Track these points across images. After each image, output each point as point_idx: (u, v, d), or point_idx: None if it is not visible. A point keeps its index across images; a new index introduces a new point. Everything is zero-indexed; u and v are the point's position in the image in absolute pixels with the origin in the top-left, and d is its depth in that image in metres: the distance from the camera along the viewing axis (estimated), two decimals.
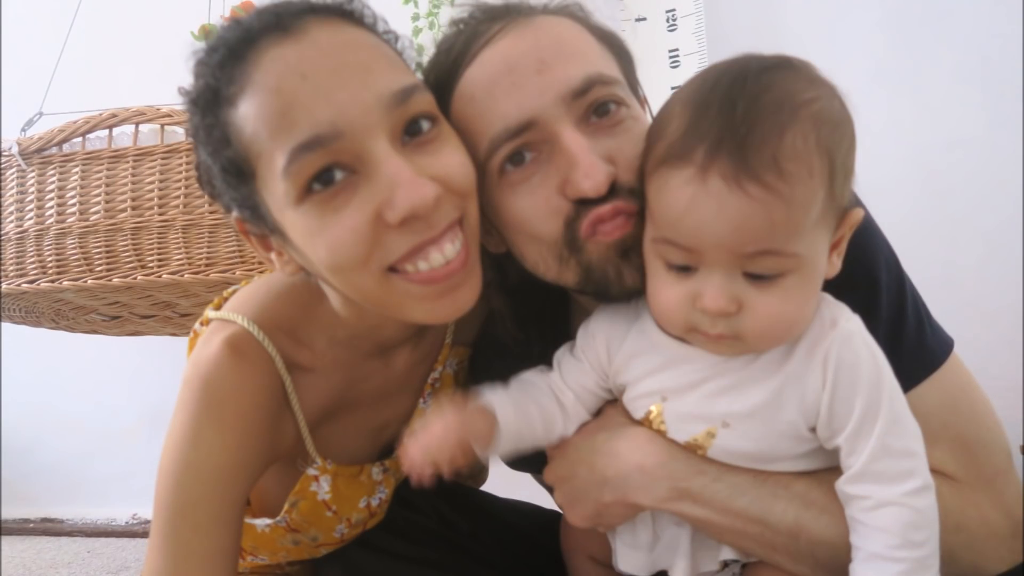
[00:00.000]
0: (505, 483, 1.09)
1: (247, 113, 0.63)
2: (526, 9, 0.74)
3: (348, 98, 0.62)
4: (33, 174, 1.27)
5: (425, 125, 0.66)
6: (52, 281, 1.24)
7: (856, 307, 0.66)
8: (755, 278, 0.59)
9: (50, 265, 1.25)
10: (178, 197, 1.20)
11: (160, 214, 1.20)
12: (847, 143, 0.59)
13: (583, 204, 0.67)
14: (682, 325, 0.64)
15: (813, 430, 0.65)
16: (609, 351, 0.73)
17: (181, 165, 1.20)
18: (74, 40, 1.64)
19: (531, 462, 0.81)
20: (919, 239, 1.26)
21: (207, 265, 1.20)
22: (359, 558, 0.93)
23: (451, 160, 0.67)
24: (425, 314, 0.70)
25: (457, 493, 1.04)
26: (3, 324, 1.51)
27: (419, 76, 0.71)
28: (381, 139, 0.63)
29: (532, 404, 0.74)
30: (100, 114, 1.23)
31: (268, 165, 0.63)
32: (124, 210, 1.21)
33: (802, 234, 0.58)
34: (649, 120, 0.71)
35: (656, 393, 0.70)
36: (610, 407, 0.77)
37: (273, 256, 0.73)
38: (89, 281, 1.22)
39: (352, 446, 0.89)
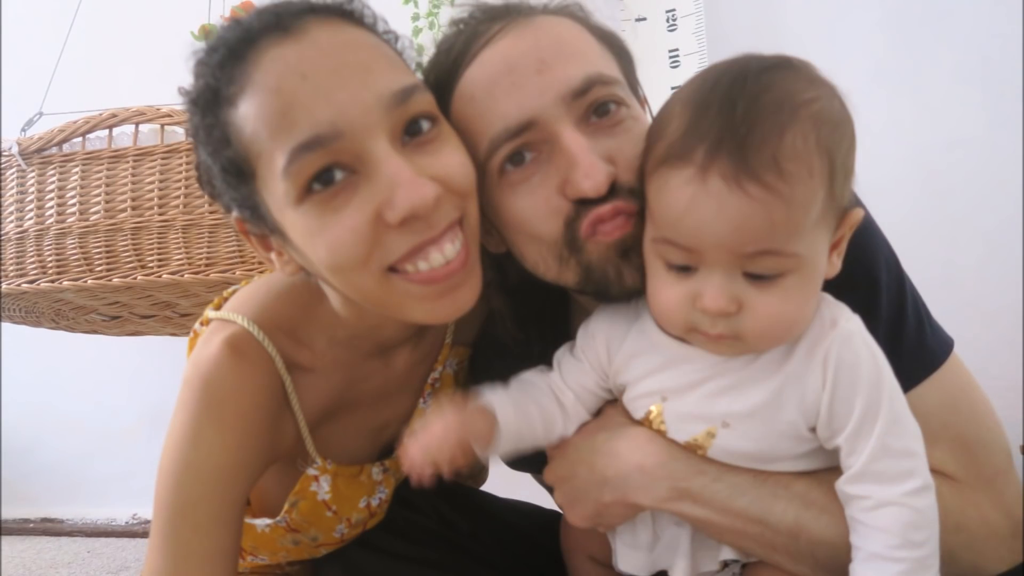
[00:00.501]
0: (505, 483, 1.09)
1: (247, 113, 0.63)
2: (526, 9, 0.74)
3: (348, 98, 0.62)
4: (33, 174, 1.27)
5: (425, 125, 0.66)
6: (52, 281, 1.24)
7: (856, 307, 0.66)
8: (755, 278, 0.59)
9: (50, 265, 1.25)
10: (178, 197, 1.20)
11: (160, 214, 1.20)
12: (847, 143, 0.59)
13: (583, 204, 0.67)
14: (682, 325, 0.63)
15: (813, 430, 0.65)
16: (609, 351, 0.73)
17: (181, 165, 1.20)
18: (74, 40, 1.64)
19: (531, 462, 0.81)
20: (919, 239, 1.26)
21: (207, 265, 1.20)
22: (359, 558, 0.93)
23: (451, 160, 0.67)
24: (425, 314, 0.70)
25: (457, 493, 1.04)
26: (3, 324, 1.51)
27: (419, 76, 0.71)
28: (381, 139, 0.63)
29: (532, 404, 0.74)
30: (100, 114, 1.23)
31: (268, 165, 0.63)
32: (124, 210, 1.21)
33: (802, 234, 0.58)
34: (649, 120, 0.71)
35: (656, 393, 0.70)
36: (610, 407, 0.77)
37: (273, 256, 0.73)
38: (89, 281, 1.22)
39: (352, 446, 0.89)
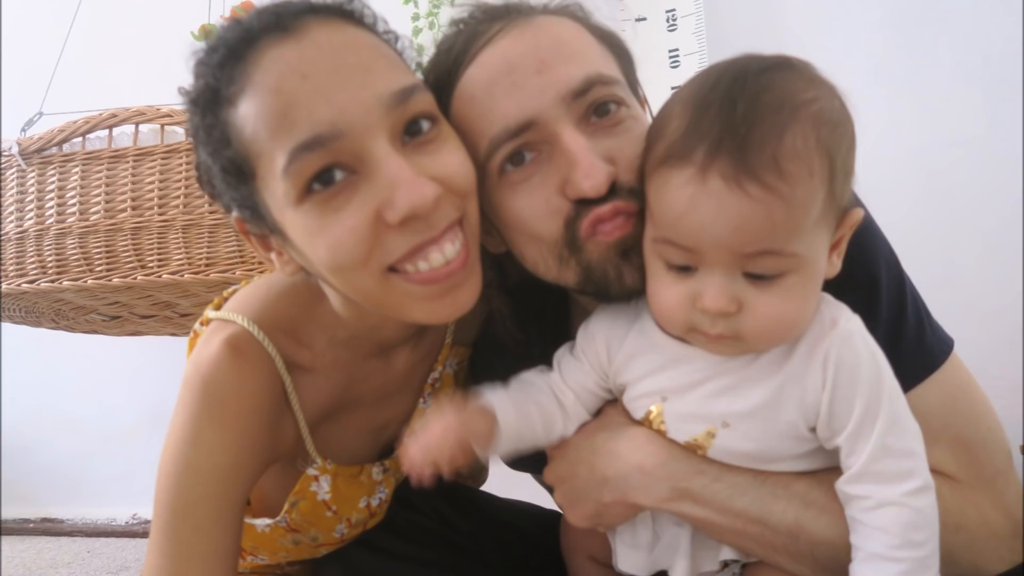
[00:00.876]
0: (505, 483, 1.09)
1: (247, 113, 0.63)
2: (526, 9, 0.74)
3: (348, 98, 0.62)
4: (33, 174, 1.27)
5: (425, 125, 0.66)
6: (52, 281, 1.24)
7: (856, 307, 0.66)
8: (755, 278, 0.59)
9: (50, 265, 1.25)
10: (178, 197, 1.20)
11: (160, 214, 1.20)
12: (847, 143, 0.59)
13: (583, 204, 0.67)
14: (682, 325, 0.64)
15: (813, 430, 0.65)
16: (609, 351, 0.73)
17: (181, 165, 1.20)
18: (74, 40, 1.64)
19: (531, 462, 0.81)
20: (919, 239, 1.26)
21: (207, 265, 1.20)
22: (359, 558, 0.93)
23: (451, 160, 0.67)
24: (425, 314, 0.70)
25: (457, 493, 1.04)
26: (3, 324, 1.51)
27: (419, 76, 0.71)
28: (381, 139, 0.63)
29: (532, 404, 0.74)
30: (100, 114, 1.23)
31: (268, 165, 0.63)
32: (124, 210, 1.21)
33: (802, 234, 0.58)
34: (649, 120, 0.71)
35: (656, 393, 0.70)
36: (610, 407, 0.77)
37: (273, 256, 0.73)
38: (89, 281, 1.22)
39: (352, 446, 0.90)
